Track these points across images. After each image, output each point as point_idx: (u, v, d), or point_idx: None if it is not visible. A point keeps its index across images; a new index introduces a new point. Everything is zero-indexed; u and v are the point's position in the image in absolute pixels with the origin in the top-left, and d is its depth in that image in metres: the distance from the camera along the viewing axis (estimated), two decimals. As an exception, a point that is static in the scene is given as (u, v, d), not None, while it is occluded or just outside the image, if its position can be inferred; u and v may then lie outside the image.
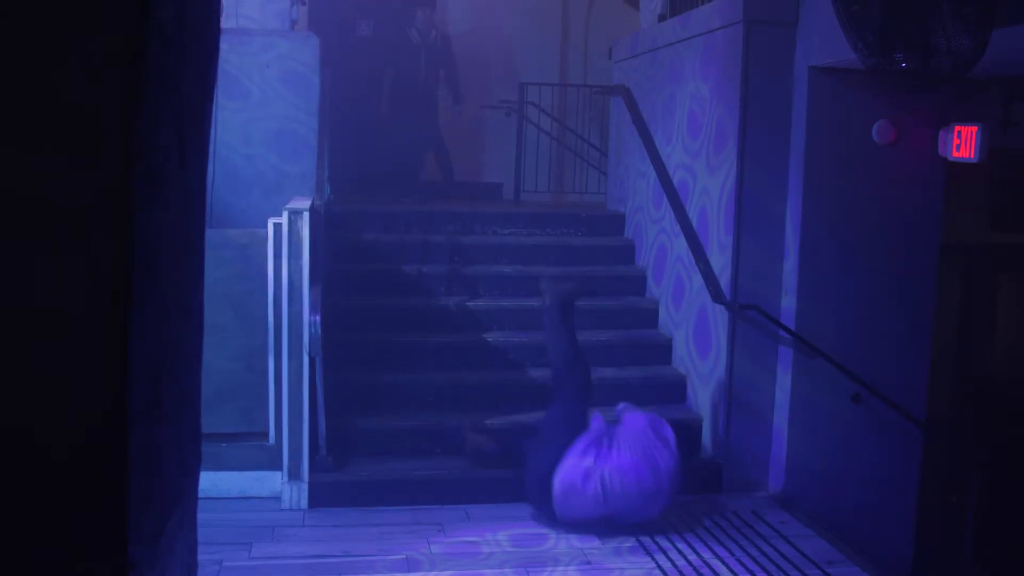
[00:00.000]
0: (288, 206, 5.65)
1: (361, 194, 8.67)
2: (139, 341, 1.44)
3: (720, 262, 6.26)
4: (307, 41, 7.07)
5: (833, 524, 5.73)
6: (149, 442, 1.52)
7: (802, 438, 6.06)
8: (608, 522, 5.30)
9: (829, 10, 4.82)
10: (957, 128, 5.76)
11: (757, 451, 6.23)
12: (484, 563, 4.98)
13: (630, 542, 5.27)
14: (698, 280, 6.45)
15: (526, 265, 7.60)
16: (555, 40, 10.80)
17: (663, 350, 7.11)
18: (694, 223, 6.57)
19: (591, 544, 5.22)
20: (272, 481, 5.72)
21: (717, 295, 6.13)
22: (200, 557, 2.14)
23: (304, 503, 5.65)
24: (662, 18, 7.64)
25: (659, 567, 4.97)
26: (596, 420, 5.52)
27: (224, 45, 2.43)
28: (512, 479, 5.78)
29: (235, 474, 5.68)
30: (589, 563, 4.98)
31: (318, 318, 5.52)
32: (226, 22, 6.24)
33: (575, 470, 5.26)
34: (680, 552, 5.17)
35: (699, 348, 6.60)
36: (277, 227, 5.63)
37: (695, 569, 4.98)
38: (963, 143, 5.68)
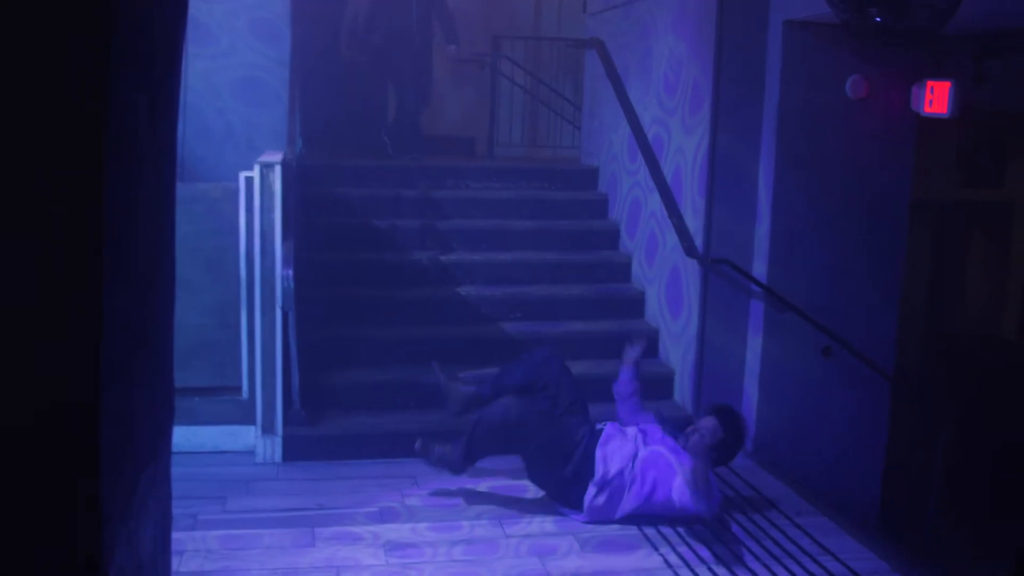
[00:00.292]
0: (260, 159, 5.61)
1: (354, 151, 8.54)
2: (111, 299, 1.44)
3: (694, 224, 6.27)
4: (278, -11, 6.97)
5: (802, 476, 5.80)
6: (122, 400, 1.52)
7: (773, 391, 6.13)
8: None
9: (804, -36, 4.81)
10: (930, 84, 5.78)
11: (728, 404, 6.28)
12: (460, 515, 5.02)
13: (602, 495, 5.31)
14: (672, 238, 6.46)
15: (499, 219, 7.60)
16: (529, -8, 10.73)
17: (636, 304, 7.14)
18: (668, 180, 6.58)
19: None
20: (246, 435, 5.73)
21: (690, 249, 6.15)
22: (175, 511, 2.15)
23: (278, 457, 5.67)
24: (636, -29, 7.60)
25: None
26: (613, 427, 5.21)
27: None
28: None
29: (209, 428, 5.68)
30: (563, 514, 5.02)
31: (291, 272, 5.50)
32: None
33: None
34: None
35: (671, 303, 6.64)
36: (249, 181, 5.58)
37: (666, 521, 5.03)
38: (936, 99, 5.70)
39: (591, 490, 4.90)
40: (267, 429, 5.67)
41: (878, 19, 4.76)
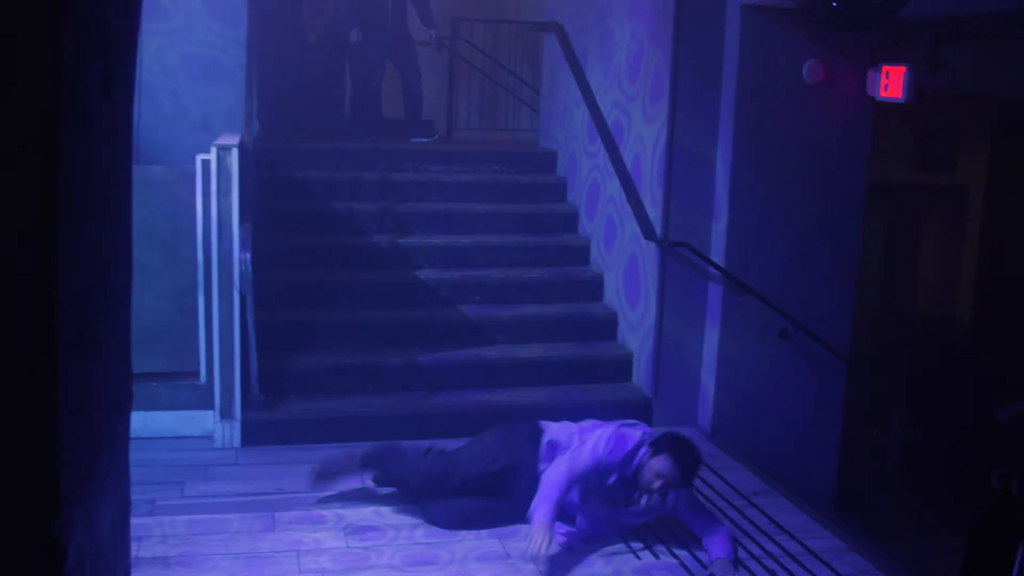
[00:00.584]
0: (216, 142, 5.56)
1: (313, 134, 8.48)
2: (67, 280, 1.42)
3: (653, 209, 6.29)
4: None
5: (759, 457, 5.86)
6: (79, 381, 1.50)
7: (730, 373, 6.17)
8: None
9: (761, -52, 4.83)
10: (885, 68, 5.83)
11: (686, 386, 6.33)
12: (418, 498, 5.02)
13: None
14: (630, 223, 6.48)
15: (458, 202, 7.59)
16: (487, -25, 10.68)
17: (595, 287, 7.16)
18: (628, 167, 6.58)
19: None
20: (204, 420, 5.69)
21: (649, 232, 6.18)
22: (133, 496, 2.13)
23: (237, 442, 5.64)
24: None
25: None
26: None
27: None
28: (445, 415, 5.85)
29: (167, 414, 5.64)
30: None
31: (248, 256, 5.46)
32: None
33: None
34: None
35: (630, 287, 6.66)
36: (205, 164, 5.53)
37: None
38: (891, 83, 5.76)
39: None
40: (225, 414, 5.63)
41: (835, 4, 4.81)
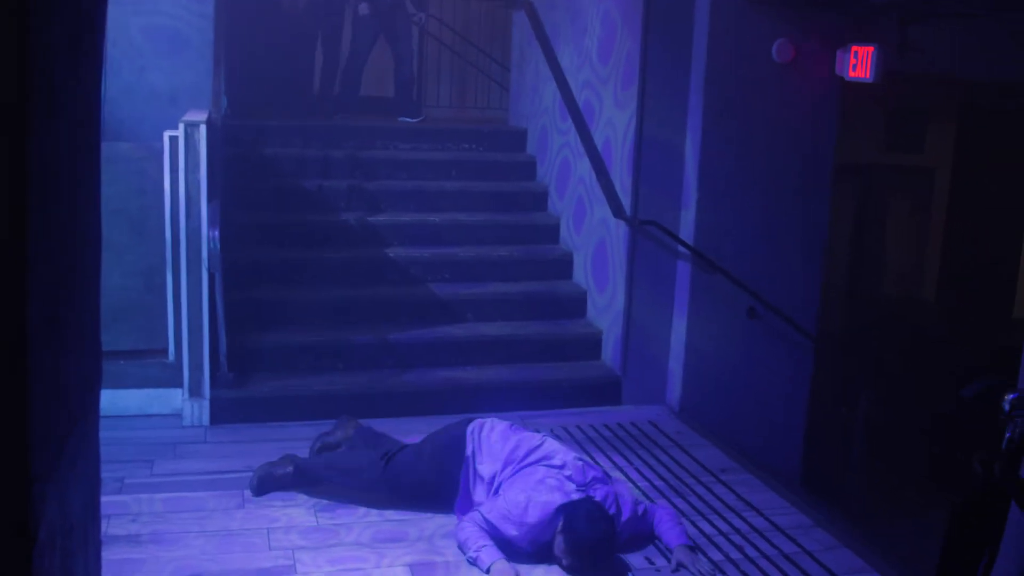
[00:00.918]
0: (184, 118, 5.51)
1: (282, 111, 8.40)
2: (37, 257, 1.41)
3: (623, 194, 6.30)
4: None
5: (727, 434, 5.91)
6: (49, 358, 1.49)
7: (699, 352, 6.21)
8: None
9: (732, -73, 4.83)
10: (854, 48, 5.86)
11: (655, 364, 6.36)
12: (387, 476, 5.03)
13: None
14: (600, 208, 6.49)
15: (428, 180, 7.57)
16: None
17: (564, 265, 7.17)
18: (599, 148, 6.58)
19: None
20: (173, 398, 5.66)
21: (618, 210, 6.19)
22: (102, 475, 2.12)
23: (206, 420, 5.62)
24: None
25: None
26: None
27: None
28: (414, 392, 5.86)
29: (135, 392, 5.61)
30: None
31: (217, 233, 5.43)
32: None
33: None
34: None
35: (600, 265, 6.68)
36: (173, 140, 5.49)
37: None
38: (859, 63, 5.79)
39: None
40: (194, 392, 5.61)
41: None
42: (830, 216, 6.48)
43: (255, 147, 7.38)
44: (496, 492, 4.42)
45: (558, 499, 4.20)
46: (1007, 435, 2.97)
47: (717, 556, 4.39)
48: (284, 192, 7.18)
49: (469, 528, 4.24)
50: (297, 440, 5.41)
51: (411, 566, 4.16)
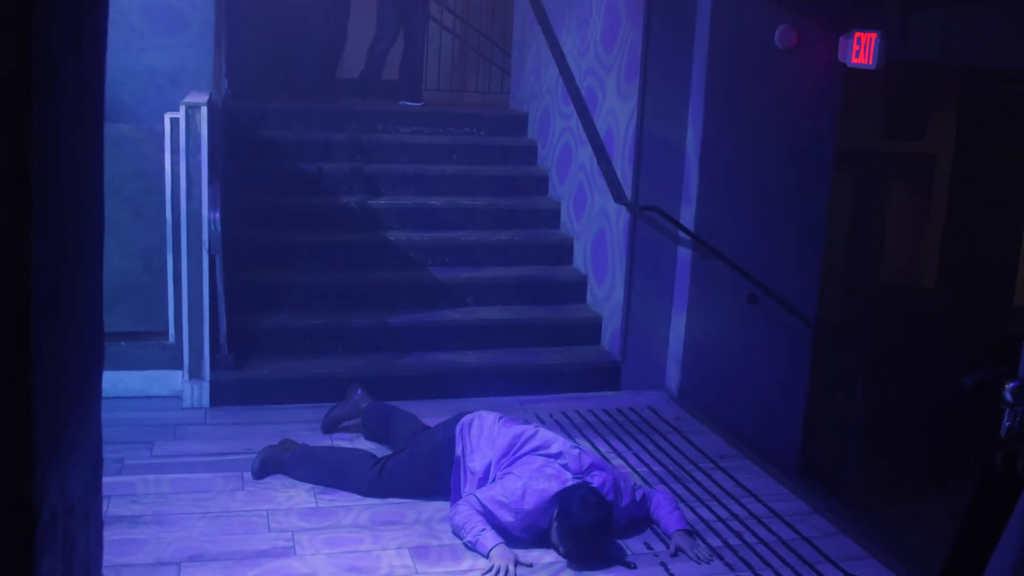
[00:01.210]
0: (185, 100, 5.50)
1: (284, 93, 8.37)
2: (40, 239, 1.41)
3: (624, 180, 6.29)
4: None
5: (726, 421, 5.92)
6: (52, 338, 1.49)
7: (698, 338, 6.22)
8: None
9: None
10: (857, 35, 5.84)
11: (654, 350, 6.37)
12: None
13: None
14: (601, 194, 6.48)
15: (429, 164, 7.56)
16: (459, -66, 10.59)
17: (564, 250, 7.17)
18: (601, 136, 6.56)
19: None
20: (173, 380, 5.67)
21: (619, 196, 6.18)
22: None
23: (205, 402, 5.63)
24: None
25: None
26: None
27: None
28: (414, 376, 5.86)
29: (135, 373, 5.62)
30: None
31: (218, 215, 5.43)
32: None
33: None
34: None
35: (599, 249, 6.68)
36: (174, 122, 5.48)
37: (593, 464, 5.10)
38: (862, 49, 5.77)
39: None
40: (194, 374, 5.62)
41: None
42: (830, 204, 6.47)
43: (256, 129, 7.37)
44: (492, 482, 4.44)
45: (555, 486, 4.21)
46: (1006, 424, 2.98)
47: (715, 542, 4.40)
48: (285, 175, 7.17)
49: (465, 512, 4.25)
50: (297, 423, 5.43)
51: (410, 549, 4.17)
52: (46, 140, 1.46)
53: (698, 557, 4.22)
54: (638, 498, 4.45)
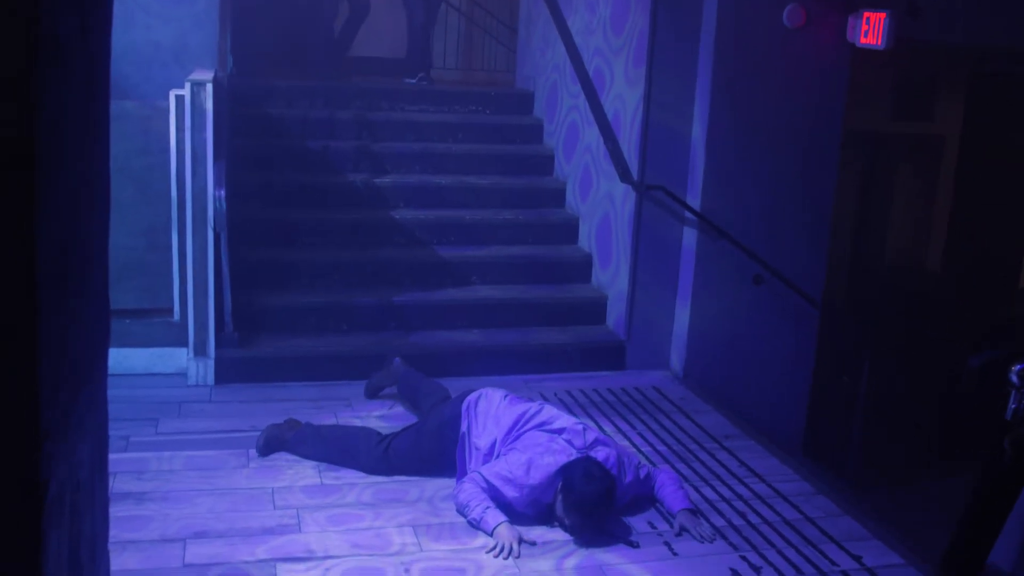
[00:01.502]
0: (191, 77, 5.49)
1: (289, 70, 8.36)
2: (46, 214, 1.41)
3: (629, 154, 6.27)
4: None
5: (731, 401, 5.92)
6: (58, 316, 1.49)
7: (704, 318, 6.21)
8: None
9: None
10: (866, 14, 5.81)
11: (659, 330, 6.36)
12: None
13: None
14: (606, 181, 6.46)
15: (434, 142, 7.54)
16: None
17: (570, 229, 7.16)
18: (608, 117, 6.52)
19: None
20: (178, 357, 5.68)
21: (625, 175, 6.16)
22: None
23: (210, 379, 5.63)
24: None
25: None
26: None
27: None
28: (418, 355, 5.87)
29: (140, 351, 5.62)
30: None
31: (223, 192, 5.42)
32: None
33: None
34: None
35: (605, 228, 6.66)
36: (179, 99, 5.46)
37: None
38: (871, 29, 5.74)
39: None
40: (199, 351, 5.62)
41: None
42: (837, 185, 6.45)
43: (261, 107, 7.35)
44: (496, 459, 4.44)
45: (559, 460, 4.22)
46: (1012, 406, 2.98)
47: (719, 522, 4.41)
48: (290, 153, 7.16)
49: (470, 489, 4.26)
50: (301, 400, 5.44)
51: (414, 526, 4.18)
52: (53, 116, 1.46)
53: (702, 536, 4.23)
54: (642, 476, 4.46)
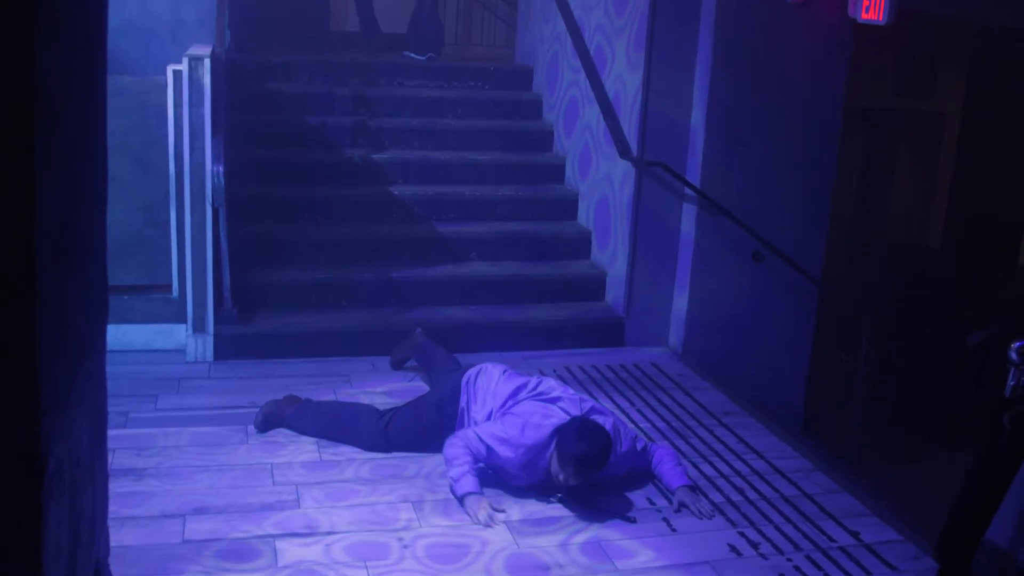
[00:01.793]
0: (188, 52, 5.46)
1: (287, 45, 8.31)
2: (44, 188, 1.40)
3: (632, 143, 6.25)
4: None
5: (730, 377, 5.92)
6: (57, 291, 1.49)
7: (703, 295, 6.21)
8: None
9: None
10: (867, -10, 5.78)
11: (659, 306, 6.36)
12: (391, 414, 5.05)
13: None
14: (606, 159, 6.44)
15: (433, 118, 7.52)
16: None
17: (569, 205, 7.14)
18: (609, 95, 6.49)
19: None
20: (177, 334, 5.68)
21: (624, 151, 6.14)
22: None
23: (209, 355, 5.63)
24: None
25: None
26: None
27: None
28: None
29: (139, 327, 5.62)
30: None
31: (221, 168, 5.40)
32: None
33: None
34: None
35: (604, 204, 6.65)
36: (177, 75, 5.44)
37: (596, 420, 5.11)
38: (872, 4, 5.71)
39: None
40: (198, 327, 5.62)
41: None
42: (837, 161, 6.43)
43: (259, 82, 7.32)
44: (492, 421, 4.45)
45: (554, 422, 4.24)
46: (1011, 383, 2.98)
47: (718, 498, 4.42)
48: (288, 128, 7.13)
49: (459, 447, 4.27)
50: (300, 376, 5.44)
51: (412, 502, 4.19)
52: (51, 90, 1.45)
53: (700, 512, 4.24)
54: (639, 448, 4.47)
